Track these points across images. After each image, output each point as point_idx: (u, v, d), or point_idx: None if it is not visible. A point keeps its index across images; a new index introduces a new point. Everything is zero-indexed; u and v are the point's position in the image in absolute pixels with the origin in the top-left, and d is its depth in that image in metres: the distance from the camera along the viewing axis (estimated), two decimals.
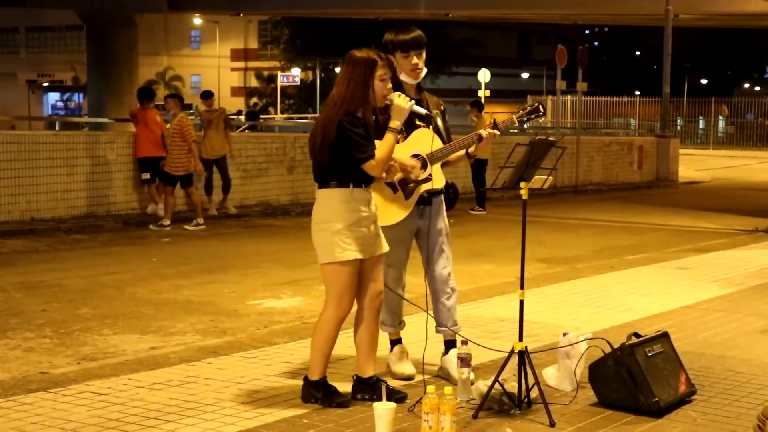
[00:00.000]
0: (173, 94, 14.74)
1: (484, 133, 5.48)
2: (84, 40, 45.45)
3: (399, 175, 5.44)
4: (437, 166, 5.57)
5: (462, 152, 5.61)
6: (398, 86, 5.50)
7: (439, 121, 5.69)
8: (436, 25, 50.71)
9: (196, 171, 13.94)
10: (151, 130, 14.55)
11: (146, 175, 14.65)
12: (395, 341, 5.74)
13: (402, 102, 5.09)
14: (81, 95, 61.42)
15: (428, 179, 5.53)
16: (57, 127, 23.58)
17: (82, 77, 54.08)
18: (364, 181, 5.06)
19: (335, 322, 5.08)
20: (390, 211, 5.47)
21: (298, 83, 58.94)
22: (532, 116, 5.69)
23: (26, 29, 68.52)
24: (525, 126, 5.75)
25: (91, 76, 41.10)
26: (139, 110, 14.80)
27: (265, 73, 63.01)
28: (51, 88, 68.18)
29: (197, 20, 61.31)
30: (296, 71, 58.60)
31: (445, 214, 5.73)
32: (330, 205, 5.04)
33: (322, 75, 58.43)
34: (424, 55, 5.59)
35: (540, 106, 5.69)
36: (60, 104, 68.00)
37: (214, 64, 63.68)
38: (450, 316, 5.70)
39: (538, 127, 35.27)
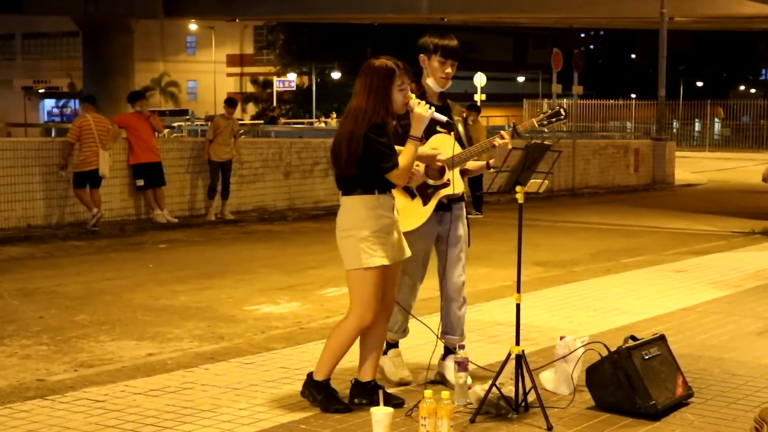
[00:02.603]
0: (87, 97, 14.99)
1: (497, 141, 5.43)
2: (80, 47, 45.44)
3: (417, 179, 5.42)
4: (456, 171, 5.52)
5: (482, 163, 5.58)
6: (422, 91, 5.52)
7: (461, 128, 5.66)
8: (431, 29, 50.69)
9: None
10: (142, 136, 14.58)
11: (140, 182, 14.67)
12: (392, 345, 5.73)
13: (422, 110, 5.06)
14: (77, 102, 61.32)
15: (446, 184, 5.50)
16: (53, 134, 23.61)
17: (78, 83, 54.08)
18: (388, 187, 5.07)
19: (355, 331, 5.08)
20: (407, 217, 5.43)
21: (294, 88, 58.93)
22: (554, 120, 5.65)
23: (22, 36, 68.47)
24: (545, 130, 5.71)
25: (86, 83, 41.12)
26: (130, 116, 14.88)
27: (261, 78, 63.02)
28: (47, 95, 68.11)
29: (193, 26, 61.30)
30: (292, 76, 58.58)
31: (465, 221, 5.70)
32: (355, 211, 5.03)
33: (318, 80, 58.40)
34: (455, 69, 5.58)
35: (561, 110, 5.65)
36: (56, 111, 67.92)
37: (210, 70, 63.67)
38: (458, 325, 5.70)
39: (534, 131, 35.25)
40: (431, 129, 5.45)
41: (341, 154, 4.99)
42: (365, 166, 4.96)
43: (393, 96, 5.02)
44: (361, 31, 52.04)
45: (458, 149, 5.51)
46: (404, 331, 5.72)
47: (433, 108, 5.15)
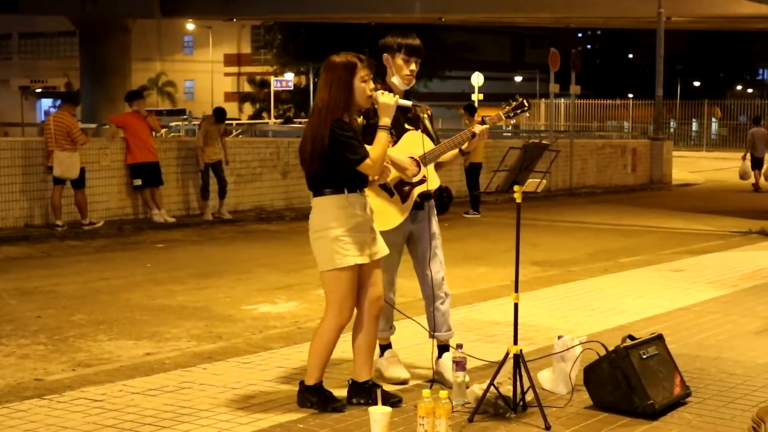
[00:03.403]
0: (66, 94, 14.81)
1: (477, 129, 5.53)
2: (77, 46, 45.40)
3: (394, 177, 5.45)
4: (431, 167, 5.58)
5: (455, 151, 5.65)
6: (387, 89, 5.53)
7: (428, 124, 5.72)
8: (429, 29, 50.70)
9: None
10: (140, 136, 14.58)
11: (138, 182, 14.66)
12: (385, 346, 5.74)
13: (387, 99, 5.10)
14: None
15: (423, 181, 5.54)
16: None
17: (75, 83, 54.04)
18: (358, 185, 5.06)
19: (335, 330, 5.09)
20: (388, 216, 5.46)
21: (291, 88, 58.88)
22: (518, 111, 5.76)
23: (19, 35, 68.38)
24: (512, 122, 5.82)
25: (84, 82, 41.06)
26: (128, 115, 14.89)
27: (258, 77, 62.98)
28: (44, 94, 68.04)
29: (190, 25, 61.26)
30: (289, 76, 58.53)
31: (436, 217, 5.74)
32: (326, 212, 5.03)
33: (316, 80, 58.25)
34: (418, 66, 5.64)
35: (524, 101, 5.77)
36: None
37: (207, 69, 63.63)
38: (444, 321, 5.70)
39: (532, 130, 35.37)
40: (400, 127, 5.50)
41: (306, 150, 5.00)
42: (331, 162, 4.96)
43: (355, 89, 5.02)
44: (359, 31, 51.98)
45: (429, 144, 5.56)
46: (391, 328, 5.73)
47: (397, 96, 5.20)
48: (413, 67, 5.59)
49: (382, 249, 5.19)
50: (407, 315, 5.65)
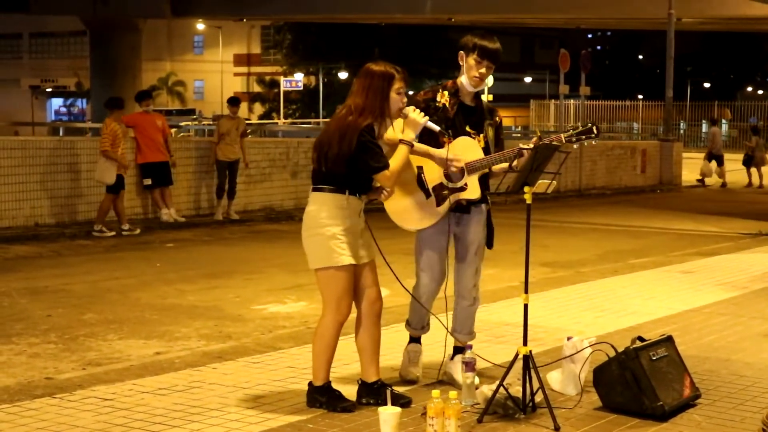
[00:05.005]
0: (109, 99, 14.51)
1: (525, 150, 5.40)
2: (87, 46, 45.53)
3: (432, 179, 5.43)
4: (474, 177, 5.51)
5: (505, 165, 5.51)
6: (456, 89, 5.55)
7: (491, 133, 5.65)
8: (438, 30, 50.68)
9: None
10: (150, 135, 14.60)
11: (148, 181, 14.68)
12: (414, 339, 5.75)
13: (417, 116, 5.14)
14: (84, 101, 61.47)
15: (463, 188, 5.50)
16: (61, 133, 23.68)
17: (85, 83, 54.19)
18: (359, 190, 5.09)
19: (335, 327, 5.10)
20: (418, 216, 5.46)
21: (301, 88, 58.94)
22: (583, 137, 5.58)
23: (29, 35, 68.59)
24: (575, 146, 5.61)
25: (94, 82, 41.19)
26: (139, 115, 14.91)
27: (268, 78, 63.07)
28: (54, 94, 68.22)
29: (200, 25, 61.40)
30: (299, 76, 58.59)
31: (485, 223, 5.68)
32: (325, 209, 5.06)
33: (325, 80, 58.39)
34: (491, 71, 5.57)
35: (594, 127, 5.59)
36: (63, 110, 68.02)
37: (217, 69, 63.72)
38: (466, 324, 5.72)
39: (542, 131, 35.30)
40: (461, 130, 5.48)
41: (331, 150, 5.01)
42: (353, 165, 4.98)
43: (390, 100, 5.05)
44: (369, 32, 52.01)
45: (480, 153, 5.51)
46: (423, 328, 5.74)
47: (426, 117, 5.19)
48: (483, 70, 5.50)
49: (371, 253, 5.22)
50: (438, 318, 5.61)
